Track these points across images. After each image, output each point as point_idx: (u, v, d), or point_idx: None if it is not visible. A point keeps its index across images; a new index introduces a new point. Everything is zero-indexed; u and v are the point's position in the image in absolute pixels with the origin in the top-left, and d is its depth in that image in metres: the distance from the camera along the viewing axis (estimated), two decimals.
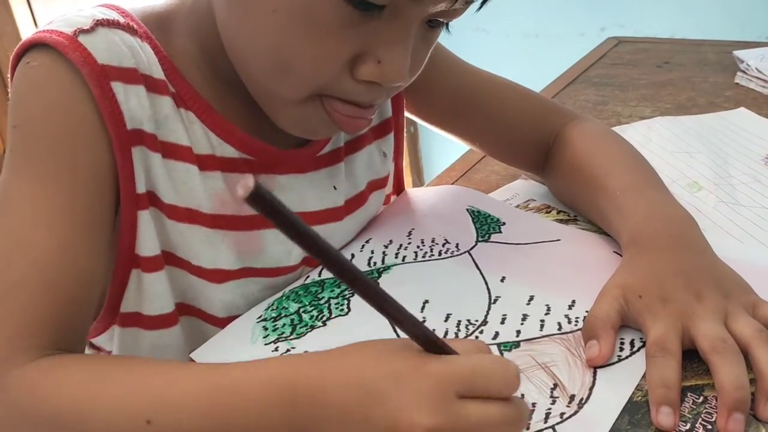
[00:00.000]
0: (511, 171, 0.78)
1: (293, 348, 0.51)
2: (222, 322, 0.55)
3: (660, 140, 0.82)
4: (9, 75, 0.48)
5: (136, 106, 0.48)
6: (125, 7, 0.51)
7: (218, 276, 0.54)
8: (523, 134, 0.70)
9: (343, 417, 0.37)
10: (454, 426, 0.36)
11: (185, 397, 0.39)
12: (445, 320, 0.53)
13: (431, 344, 0.38)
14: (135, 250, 0.51)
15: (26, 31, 1.93)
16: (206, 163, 0.52)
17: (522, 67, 1.52)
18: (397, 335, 0.51)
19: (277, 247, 0.57)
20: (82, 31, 0.47)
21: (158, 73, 0.50)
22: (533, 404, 0.44)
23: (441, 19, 0.49)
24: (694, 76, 1.05)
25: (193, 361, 0.51)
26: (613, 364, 0.47)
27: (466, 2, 0.47)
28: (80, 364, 0.43)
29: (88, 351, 0.57)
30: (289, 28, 0.46)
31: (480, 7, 0.49)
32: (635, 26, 1.77)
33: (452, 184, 0.77)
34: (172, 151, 0.51)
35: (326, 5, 0.44)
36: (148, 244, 0.51)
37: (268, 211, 0.28)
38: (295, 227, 0.30)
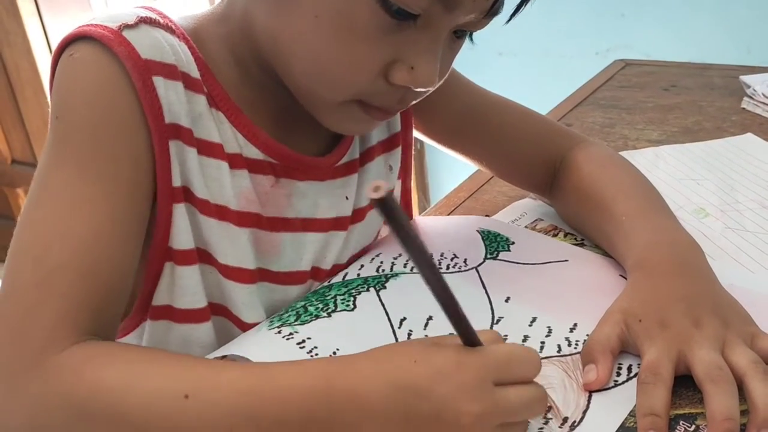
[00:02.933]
0: (519, 192, 0.78)
1: (296, 332, 0.53)
2: (247, 327, 0.56)
3: (667, 167, 0.83)
4: (50, 70, 0.49)
5: (175, 101, 0.50)
6: (162, 10, 0.53)
7: (241, 275, 0.55)
8: (530, 156, 0.71)
9: (383, 417, 0.40)
10: (495, 409, 0.40)
11: (224, 379, 0.42)
12: None
13: (468, 337, 0.41)
14: (169, 242, 0.52)
15: (37, 42, 1.95)
16: (235, 161, 0.54)
17: (529, 86, 1.53)
18: (396, 339, 0.53)
19: (292, 252, 0.59)
20: (127, 26, 0.48)
21: (194, 72, 0.52)
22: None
23: (467, 29, 0.52)
24: (701, 100, 1.06)
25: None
26: (609, 388, 0.47)
27: (494, 14, 0.50)
28: (121, 349, 0.45)
29: None
30: (330, 33, 0.48)
31: (509, 20, 0.52)
32: (642, 48, 1.78)
33: (460, 204, 0.78)
34: (206, 148, 0.52)
35: (366, 13, 0.47)
36: (181, 238, 0.52)
37: (389, 215, 0.33)
38: (407, 234, 0.35)
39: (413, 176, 0.75)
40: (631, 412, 0.45)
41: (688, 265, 0.54)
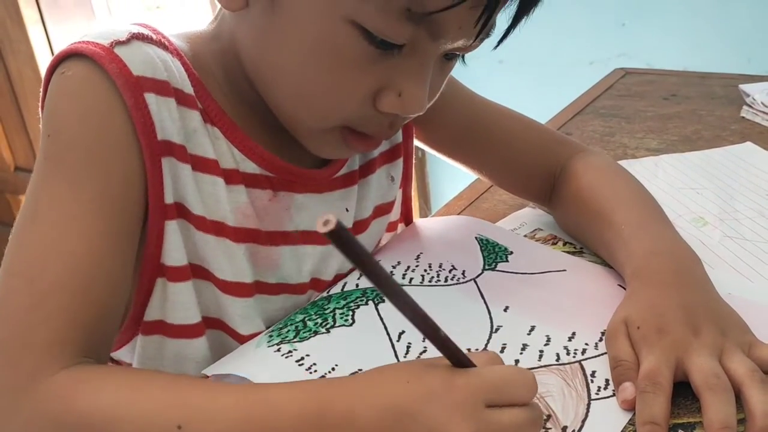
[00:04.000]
0: (519, 201, 0.78)
1: (295, 350, 0.53)
2: (244, 339, 0.57)
3: (666, 176, 0.83)
4: (42, 88, 0.49)
5: (167, 117, 0.50)
6: (156, 27, 0.53)
7: (238, 289, 0.56)
8: (530, 165, 0.71)
9: None
10: (487, 431, 0.39)
11: (217, 407, 0.41)
12: None
13: (458, 359, 0.41)
14: (161, 259, 0.52)
15: (40, 50, 1.96)
16: (231, 177, 0.54)
17: (530, 95, 1.53)
18: (395, 353, 0.53)
19: (292, 264, 0.59)
20: (119, 43, 0.48)
21: (188, 88, 0.52)
22: None
23: (457, 52, 0.52)
24: (701, 108, 1.06)
25: (206, 376, 0.52)
26: (608, 397, 0.48)
27: (481, 39, 0.49)
28: (113, 373, 0.45)
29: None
30: (313, 64, 0.48)
31: (497, 46, 0.51)
32: (643, 57, 1.79)
33: (460, 212, 0.78)
34: (200, 164, 0.52)
35: (349, 44, 0.47)
36: (174, 254, 0.52)
37: (344, 246, 0.32)
38: (366, 263, 0.34)
39: (415, 184, 0.75)
40: (630, 420, 0.45)
41: (686, 275, 0.54)
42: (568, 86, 1.33)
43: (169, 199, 0.51)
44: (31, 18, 1.93)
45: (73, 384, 0.43)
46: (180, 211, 0.52)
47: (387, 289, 0.37)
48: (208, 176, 0.53)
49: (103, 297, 0.46)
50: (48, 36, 1.96)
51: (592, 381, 0.49)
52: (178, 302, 0.53)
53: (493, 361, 0.43)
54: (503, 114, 0.72)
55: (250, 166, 0.55)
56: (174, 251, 0.52)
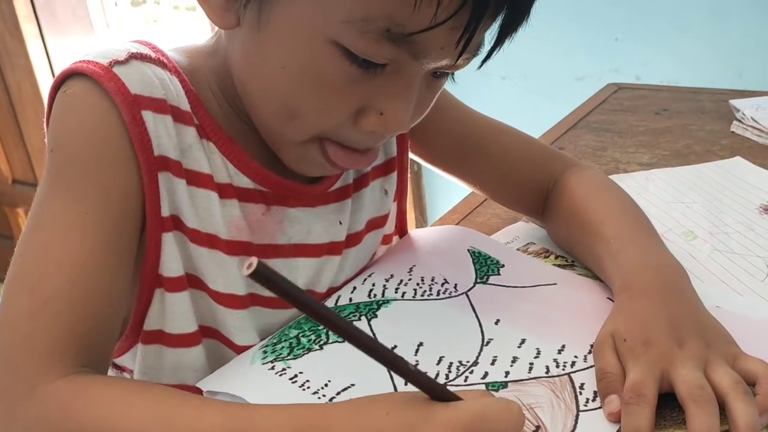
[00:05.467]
0: (512, 214, 0.79)
1: (288, 367, 0.53)
2: (240, 350, 0.57)
3: (657, 191, 0.84)
4: (47, 105, 0.52)
5: (164, 134, 0.51)
6: (155, 44, 0.55)
7: (231, 301, 0.57)
8: (523, 179, 0.72)
9: None
10: None
11: (203, 428, 0.42)
12: (438, 363, 0.54)
13: (436, 392, 0.40)
14: (159, 270, 0.53)
15: (39, 64, 1.97)
16: (225, 191, 0.55)
17: (522, 109, 1.55)
18: (389, 371, 0.52)
19: (288, 278, 0.59)
20: (117, 63, 0.50)
21: (185, 105, 0.53)
22: None
23: (445, 71, 0.52)
24: (692, 123, 1.08)
25: (199, 389, 0.53)
26: (596, 409, 0.48)
27: (465, 59, 0.50)
28: (109, 385, 0.45)
29: (111, 370, 0.59)
30: (296, 83, 0.50)
31: (481, 65, 0.52)
32: (635, 72, 1.81)
33: (455, 225, 0.79)
34: (195, 179, 0.54)
35: (331, 64, 0.48)
36: (171, 265, 0.53)
37: (271, 286, 0.32)
38: (297, 299, 0.34)
39: (411, 197, 0.76)
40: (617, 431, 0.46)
41: (673, 288, 0.55)
42: (561, 100, 1.34)
43: (165, 212, 0.52)
44: (30, 33, 1.95)
45: (69, 394, 0.43)
46: (176, 223, 0.53)
47: (336, 326, 0.36)
48: (203, 190, 0.54)
49: (101, 307, 0.48)
50: (47, 50, 1.98)
51: (580, 393, 0.50)
52: (176, 312, 0.55)
53: (482, 396, 0.42)
54: (497, 128, 0.73)
55: (243, 181, 0.56)
56: (171, 262, 0.53)
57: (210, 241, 0.55)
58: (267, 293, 0.58)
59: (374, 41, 0.46)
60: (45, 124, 0.52)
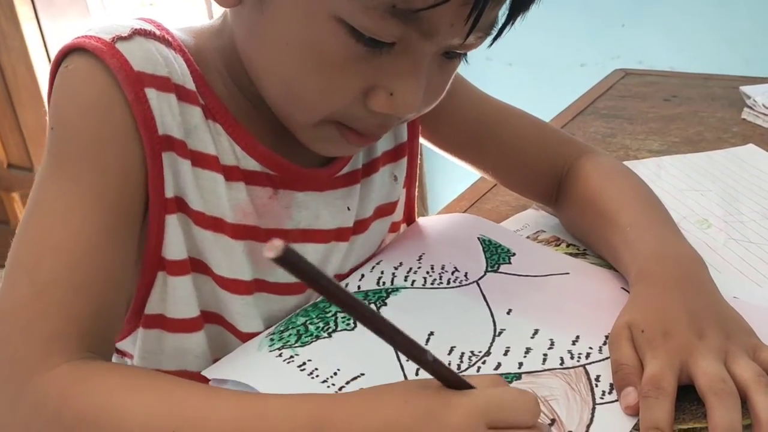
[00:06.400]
0: (522, 201, 0.78)
1: (297, 355, 0.52)
2: (244, 336, 0.56)
3: (670, 178, 0.83)
4: (48, 82, 0.50)
5: (168, 112, 0.50)
6: (160, 22, 0.53)
7: (236, 286, 0.55)
8: (537, 165, 0.71)
9: None
10: None
11: (213, 420, 0.41)
12: (449, 353, 0.53)
13: (451, 381, 0.39)
14: (161, 253, 0.52)
15: (34, 46, 1.94)
16: (231, 173, 0.54)
17: (530, 95, 1.53)
18: (398, 356, 0.52)
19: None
20: (120, 38, 0.48)
21: (190, 84, 0.51)
22: None
23: (457, 51, 0.50)
24: (702, 110, 1.06)
25: (202, 377, 0.51)
26: (613, 402, 0.47)
27: (477, 37, 0.48)
28: (111, 372, 0.44)
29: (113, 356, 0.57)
30: (300, 62, 0.48)
31: (491, 44, 0.50)
32: (642, 58, 1.79)
33: (462, 213, 0.77)
34: (200, 160, 0.52)
35: (335, 42, 0.46)
36: (174, 248, 0.52)
37: (296, 270, 0.30)
38: (322, 284, 0.32)
39: None
40: (635, 425, 0.45)
41: (691, 278, 0.53)
42: (567, 86, 1.32)
43: (169, 193, 0.51)
44: (26, 15, 1.92)
45: (69, 381, 0.42)
46: (179, 205, 0.52)
47: (360, 314, 0.35)
48: (208, 172, 0.52)
49: (103, 290, 0.46)
50: (42, 33, 1.95)
51: (596, 385, 0.49)
52: (178, 296, 0.53)
53: (495, 383, 0.42)
54: (510, 113, 0.71)
55: (251, 163, 0.54)
56: (174, 245, 0.52)
57: (215, 224, 0.53)
58: (274, 279, 0.57)
59: (379, 18, 0.44)
60: (46, 101, 0.50)
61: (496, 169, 0.72)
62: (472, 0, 0.44)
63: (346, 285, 0.61)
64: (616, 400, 0.47)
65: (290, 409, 0.41)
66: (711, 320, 0.48)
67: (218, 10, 0.55)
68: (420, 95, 0.49)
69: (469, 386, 0.40)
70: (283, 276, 0.58)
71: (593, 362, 0.51)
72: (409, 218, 0.72)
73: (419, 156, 0.70)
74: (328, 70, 0.47)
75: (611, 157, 0.74)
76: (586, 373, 0.50)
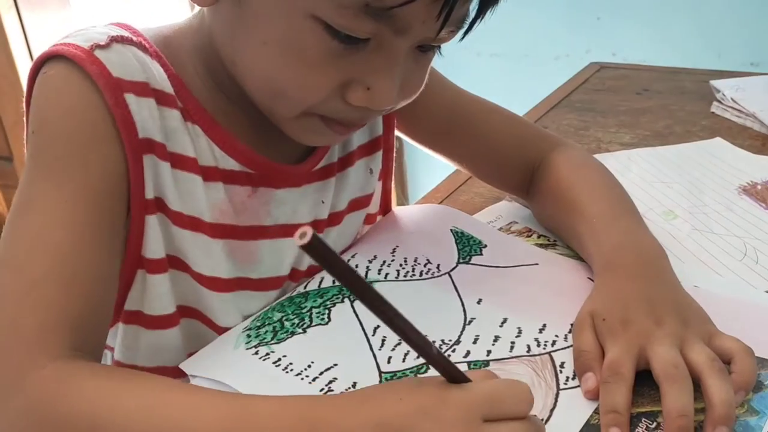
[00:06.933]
0: (495, 193, 0.80)
1: (272, 352, 0.53)
2: (220, 330, 0.57)
3: (639, 170, 0.85)
4: (26, 88, 0.51)
5: (147, 117, 0.51)
6: (135, 27, 0.54)
7: (216, 284, 0.56)
8: (510, 158, 0.73)
9: None
10: None
11: (199, 421, 0.41)
12: None
13: (453, 375, 0.40)
14: (141, 251, 0.53)
15: (14, 36, 1.93)
16: (209, 174, 0.55)
17: (505, 88, 1.55)
18: (371, 347, 0.53)
19: (272, 258, 0.59)
20: (98, 46, 0.49)
21: (168, 88, 0.53)
22: None
23: (431, 44, 0.52)
24: (672, 104, 1.08)
25: (182, 372, 0.52)
26: (576, 387, 0.49)
27: (449, 31, 0.50)
28: (98, 374, 0.44)
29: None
30: (278, 59, 0.49)
31: (462, 37, 0.52)
32: (617, 51, 1.81)
33: (438, 204, 0.79)
34: (179, 162, 0.53)
35: (312, 39, 0.47)
36: (153, 247, 0.53)
37: (322, 259, 0.32)
38: (346, 276, 0.34)
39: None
40: (595, 410, 0.47)
41: (652, 268, 0.56)
42: (542, 79, 1.34)
43: (149, 194, 0.52)
44: (5, 4, 1.90)
45: (56, 384, 0.42)
46: (159, 205, 0.53)
47: (374, 305, 0.36)
48: (187, 174, 0.54)
49: (92, 286, 0.47)
50: (22, 23, 1.93)
51: (561, 371, 0.51)
52: (156, 293, 0.54)
53: (487, 376, 0.43)
54: (486, 107, 0.73)
55: (230, 163, 0.56)
56: (153, 244, 0.53)
57: (193, 224, 0.54)
58: (255, 275, 0.58)
59: (353, 16, 0.45)
60: (25, 106, 0.51)
61: (470, 162, 0.74)
62: None
63: (322, 279, 0.62)
64: (578, 386, 0.49)
65: (282, 411, 0.41)
66: (669, 308, 0.50)
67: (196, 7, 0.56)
68: (395, 89, 0.51)
69: (465, 379, 0.41)
70: (266, 272, 0.59)
71: (558, 349, 0.53)
72: (385, 210, 0.74)
73: (400, 147, 0.71)
74: (306, 66, 0.48)
75: (583, 150, 0.76)
76: (552, 360, 0.52)
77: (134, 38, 0.52)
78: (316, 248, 0.30)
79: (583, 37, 1.86)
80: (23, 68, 1.96)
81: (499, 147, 0.72)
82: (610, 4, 1.81)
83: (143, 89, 0.51)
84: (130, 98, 0.49)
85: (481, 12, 0.49)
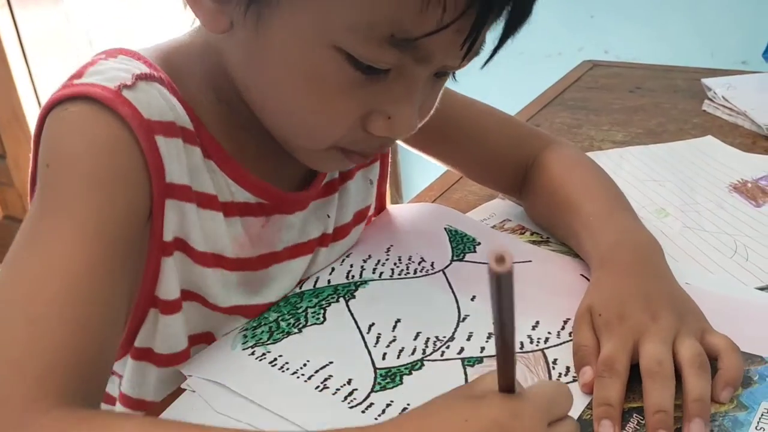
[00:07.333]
0: (488, 191, 0.80)
1: (268, 352, 0.54)
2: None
3: (631, 168, 0.86)
4: (37, 124, 0.48)
5: (175, 158, 0.50)
6: (141, 52, 0.52)
7: (229, 310, 0.57)
8: (503, 159, 0.73)
9: None
10: None
11: None
12: (415, 338, 0.55)
13: (510, 381, 0.39)
14: (155, 292, 0.52)
15: (6, 34, 1.92)
16: (229, 209, 0.55)
17: (499, 86, 1.55)
18: (365, 344, 0.54)
19: (281, 280, 0.60)
20: (125, 87, 0.47)
21: (188, 124, 0.51)
22: None
23: (447, 71, 0.52)
24: (665, 102, 1.09)
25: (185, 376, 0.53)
26: (568, 383, 0.50)
27: (470, 58, 0.49)
28: (101, 423, 0.41)
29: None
30: (300, 90, 0.49)
31: (484, 65, 0.52)
32: (611, 49, 1.82)
33: (431, 202, 0.80)
34: (204, 201, 0.53)
35: (335, 69, 0.47)
36: (168, 288, 0.52)
37: (500, 292, 0.32)
38: (504, 315, 0.35)
39: None
40: (588, 405, 0.47)
41: (649, 264, 0.56)
42: (535, 77, 1.35)
43: (168, 237, 0.51)
44: None
45: (61, 430, 0.39)
46: (179, 245, 0.52)
47: (504, 345, 0.37)
48: (211, 212, 0.53)
49: (99, 331, 0.44)
50: (15, 20, 1.93)
51: (554, 368, 0.52)
52: (168, 333, 0.54)
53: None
54: (477, 109, 0.73)
55: (244, 196, 0.56)
56: (169, 285, 0.52)
57: (215, 260, 0.55)
58: (263, 301, 0.59)
59: (377, 47, 0.45)
60: (33, 141, 0.48)
61: (463, 165, 0.74)
62: (468, 27, 0.45)
63: (317, 279, 0.63)
64: (571, 381, 0.50)
65: None
66: (665, 303, 0.51)
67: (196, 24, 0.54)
68: (416, 117, 0.51)
69: (514, 386, 0.40)
70: (273, 295, 0.60)
71: (551, 346, 0.54)
72: (380, 210, 0.75)
73: (393, 146, 0.71)
74: (327, 96, 0.48)
75: (575, 148, 0.77)
76: (544, 356, 0.53)
77: (155, 73, 0.50)
78: (506, 281, 0.31)
79: (577, 35, 1.86)
80: (16, 66, 1.95)
81: (493, 150, 0.73)
82: (604, 3, 1.81)
83: (171, 129, 0.50)
84: (161, 140, 0.48)
85: (503, 41, 0.49)
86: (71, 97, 0.47)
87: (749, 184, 0.80)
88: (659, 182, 0.82)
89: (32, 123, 2.02)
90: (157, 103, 0.49)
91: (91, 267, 0.44)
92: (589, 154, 0.84)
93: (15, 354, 0.41)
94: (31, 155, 0.49)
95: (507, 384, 0.39)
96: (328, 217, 0.63)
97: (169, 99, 0.50)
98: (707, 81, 1.09)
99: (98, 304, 0.44)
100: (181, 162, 0.51)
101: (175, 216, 0.51)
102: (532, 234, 0.71)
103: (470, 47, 0.47)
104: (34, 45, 1.96)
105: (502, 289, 0.32)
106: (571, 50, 1.84)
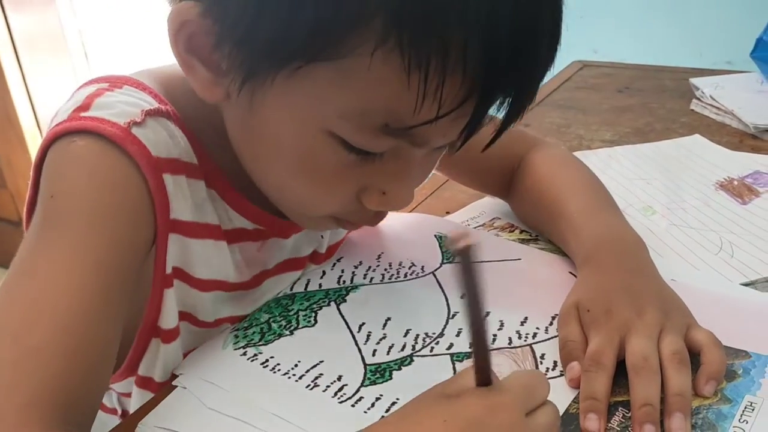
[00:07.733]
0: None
1: (260, 353, 0.55)
2: None
3: (619, 167, 0.87)
4: (38, 155, 0.48)
5: (180, 195, 0.50)
6: (144, 80, 0.52)
7: (219, 323, 0.59)
8: (490, 162, 0.73)
9: None
10: None
11: None
12: (405, 335, 0.56)
13: (486, 374, 0.40)
14: (158, 323, 0.53)
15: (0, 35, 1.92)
16: (231, 237, 0.56)
17: None
18: (356, 342, 0.55)
19: (274, 292, 0.62)
20: (135, 124, 0.47)
21: (193, 158, 0.52)
22: None
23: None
24: (653, 102, 1.10)
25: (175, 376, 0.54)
26: (556, 377, 0.51)
27: (466, 137, 0.48)
28: None
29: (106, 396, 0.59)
30: (294, 169, 0.49)
31: (484, 149, 0.52)
32: (600, 49, 1.83)
33: (422, 201, 0.80)
34: (208, 232, 0.54)
35: (327, 153, 0.46)
36: (169, 318, 0.53)
37: (464, 269, 0.34)
38: (471, 293, 0.36)
39: None
40: (574, 399, 0.48)
41: (634, 261, 0.57)
42: None
43: (169, 269, 0.52)
44: None
45: None
46: (177, 274, 0.53)
47: (474, 317, 0.37)
48: (213, 241, 0.54)
49: (93, 361, 0.44)
50: (7, 21, 1.93)
51: (541, 362, 0.52)
52: (168, 360, 0.55)
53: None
54: None
55: (243, 222, 0.56)
56: (169, 315, 0.53)
57: (217, 285, 0.56)
58: (244, 313, 0.60)
59: (371, 135, 0.45)
60: (33, 170, 0.48)
61: (450, 168, 0.75)
62: (467, 114, 0.44)
63: (308, 282, 0.64)
64: (559, 376, 0.51)
65: None
66: (651, 299, 0.52)
67: None
68: (412, 192, 0.51)
69: (491, 380, 0.40)
70: (255, 308, 0.61)
71: (539, 341, 0.55)
72: None
73: None
74: (320, 178, 0.48)
75: (560, 147, 0.78)
76: (533, 351, 0.54)
77: (162, 107, 0.50)
78: (466, 258, 0.32)
79: (566, 36, 1.87)
80: (9, 67, 1.95)
81: (478, 155, 0.73)
82: (593, 3, 1.83)
83: (176, 166, 0.50)
84: (168, 179, 0.49)
85: (507, 125, 0.49)
86: (78, 131, 0.46)
87: (736, 182, 0.81)
88: (647, 180, 0.83)
89: (25, 124, 2.02)
90: (165, 140, 0.49)
91: (86, 300, 0.44)
92: (577, 153, 0.85)
93: (9, 379, 0.40)
94: (30, 183, 0.49)
95: (483, 377, 0.40)
96: (322, 237, 0.64)
97: (174, 134, 0.50)
98: (695, 81, 1.10)
99: (91, 337, 0.44)
100: (186, 198, 0.51)
101: (177, 249, 0.52)
102: (521, 232, 0.72)
103: (470, 132, 0.46)
104: (26, 46, 1.97)
105: (465, 269, 0.34)
106: (559, 50, 1.85)
